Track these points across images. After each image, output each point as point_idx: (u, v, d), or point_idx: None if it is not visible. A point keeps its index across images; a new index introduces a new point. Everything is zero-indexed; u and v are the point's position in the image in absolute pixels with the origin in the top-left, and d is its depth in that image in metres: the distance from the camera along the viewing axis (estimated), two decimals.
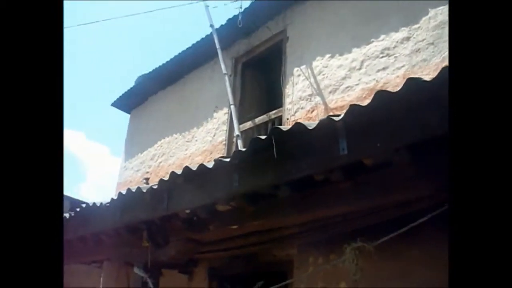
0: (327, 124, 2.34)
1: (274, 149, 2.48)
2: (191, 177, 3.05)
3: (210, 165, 2.90)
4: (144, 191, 3.40)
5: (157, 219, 3.52)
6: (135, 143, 8.91)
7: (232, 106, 6.27)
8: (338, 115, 2.37)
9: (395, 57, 4.65)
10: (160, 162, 7.81)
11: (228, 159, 2.79)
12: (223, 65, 6.57)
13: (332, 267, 4.40)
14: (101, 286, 8.54)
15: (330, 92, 5.29)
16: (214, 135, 6.83)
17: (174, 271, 6.24)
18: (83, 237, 4.70)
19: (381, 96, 2.12)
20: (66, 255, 6.43)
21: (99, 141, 45.42)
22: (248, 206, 3.06)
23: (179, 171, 3.12)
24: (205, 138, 7.01)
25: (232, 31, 6.78)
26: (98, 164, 43.72)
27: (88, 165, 43.98)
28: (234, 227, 3.30)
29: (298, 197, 2.86)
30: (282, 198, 2.92)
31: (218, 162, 2.87)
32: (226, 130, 6.63)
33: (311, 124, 2.43)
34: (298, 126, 2.43)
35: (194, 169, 2.98)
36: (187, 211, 3.25)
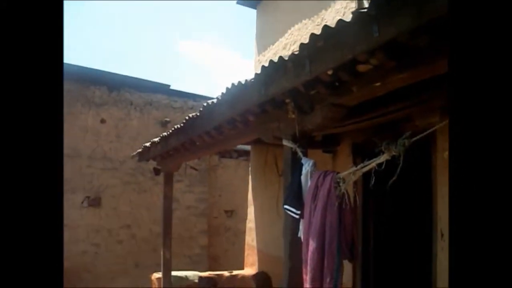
0: None
1: None
2: (331, 36, 3.09)
3: (348, 19, 2.93)
4: (286, 58, 3.52)
5: (300, 86, 3.65)
6: (265, 36, 9.08)
7: None
8: None
9: None
10: (294, 50, 7.89)
11: (366, 10, 2.78)
12: None
13: None
14: (250, 172, 9.19)
15: None
16: (343, 14, 6.72)
17: (318, 151, 6.52)
18: (232, 119, 5.02)
19: None
20: (217, 142, 6.89)
21: (228, 49, 46.71)
22: (389, 61, 3.06)
23: (318, 32, 3.19)
24: (334, 18, 6.90)
25: None
26: (231, 70, 45.38)
27: (223, 74, 45.79)
28: (377, 84, 3.34)
29: (440, 46, 2.80)
30: (424, 49, 2.88)
31: (356, 14, 2.87)
32: (355, 7, 6.48)
33: None
34: None
35: (333, 26, 3.03)
36: (330, 73, 3.33)
